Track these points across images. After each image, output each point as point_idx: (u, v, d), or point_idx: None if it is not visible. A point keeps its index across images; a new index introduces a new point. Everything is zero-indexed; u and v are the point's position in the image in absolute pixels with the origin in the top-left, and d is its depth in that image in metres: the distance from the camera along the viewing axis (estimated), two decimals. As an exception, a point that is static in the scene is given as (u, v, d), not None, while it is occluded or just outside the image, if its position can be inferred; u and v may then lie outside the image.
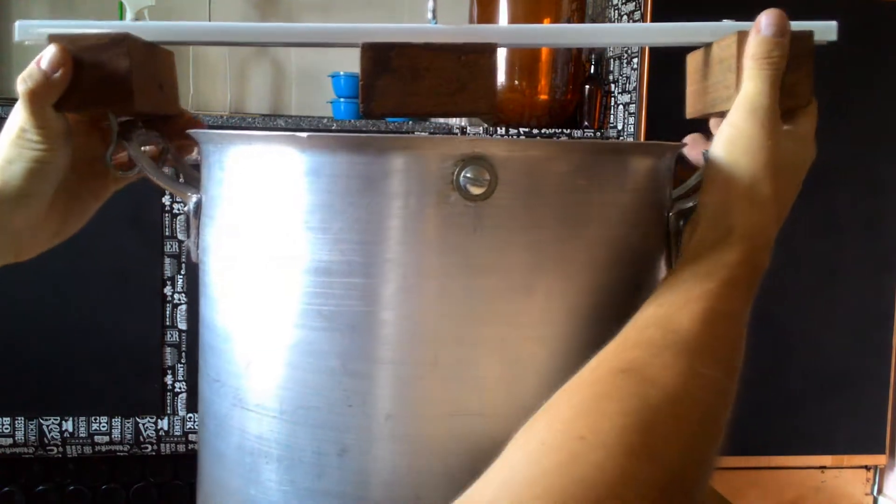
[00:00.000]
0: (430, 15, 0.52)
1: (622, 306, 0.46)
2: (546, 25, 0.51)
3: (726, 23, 0.50)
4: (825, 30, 0.50)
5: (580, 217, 0.44)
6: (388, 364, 0.42)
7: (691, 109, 0.56)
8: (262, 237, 0.44)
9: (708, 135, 0.53)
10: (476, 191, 0.41)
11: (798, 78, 0.49)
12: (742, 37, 0.48)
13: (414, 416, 0.43)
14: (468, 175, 0.41)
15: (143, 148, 0.52)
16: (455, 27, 0.50)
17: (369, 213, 0.42)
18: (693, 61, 0.55)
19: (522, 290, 0.43)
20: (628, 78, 1.91)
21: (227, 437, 0.47)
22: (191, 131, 0.50)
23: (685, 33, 0.52)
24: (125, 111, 0.49)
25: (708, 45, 0.52)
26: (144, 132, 0.52)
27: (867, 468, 2.00)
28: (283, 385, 0.44)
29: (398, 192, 0.42)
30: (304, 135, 0.42)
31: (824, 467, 1.99)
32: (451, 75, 0.49)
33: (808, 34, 0.49)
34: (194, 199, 0.50)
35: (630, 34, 0.55)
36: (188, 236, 0.51)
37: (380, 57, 0.48)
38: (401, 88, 0.48)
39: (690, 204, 0.49)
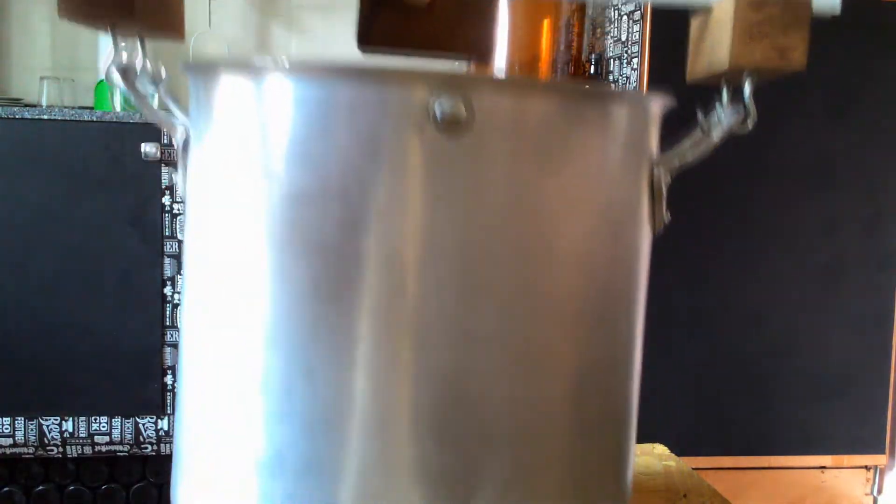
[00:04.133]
0: None
1: (598, 254, 0.46)
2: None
3: None
4: (827, 3, 0.52)
5: (559, 156, 0.44)
6: (360, 291, 0.43)
7: (689, 73, 0.56)
8: (246, 164, 0.45)
9: (707, 106, 0.53)
10: (452, 124, 0.41)
11: (793, 42, 0.49)
12: None
13: (383, 344, 0.43)
14: (444, 107, 0.41)
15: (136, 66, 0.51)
16: None
17: (347, 141, 0.42)
18: (695, 24, 0.56)
19: (499, 227, 0.43)
20: (628, 78, 1.91)
21: (202, 360, 0.48)
22: (183, 63, 0.49)
23: None
24: (125, 19, 0.48)
25: (709, 8, 0.53)
26: (142, 59, 0.51)
27: (867, 468, 2.00)
28: (259, 308, 0.45)
29: (374, 122, 0.42)
30: (288, 63, 0.43)
31: (824, 467, 1.98)
32: (451, 13, 0.48)
33: (807, 1, 0.49)
34: (182, 132, 0.50)
35: None
36: (177, 171, 0.51)
37: None
38: (399, 23, 0.48)
39: (677, 162, 0.49)
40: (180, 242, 1.78)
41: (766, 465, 1.96)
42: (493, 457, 0.45)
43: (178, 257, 1.78)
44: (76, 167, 1.73)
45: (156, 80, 0.52)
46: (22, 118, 1.72)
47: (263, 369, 0.45)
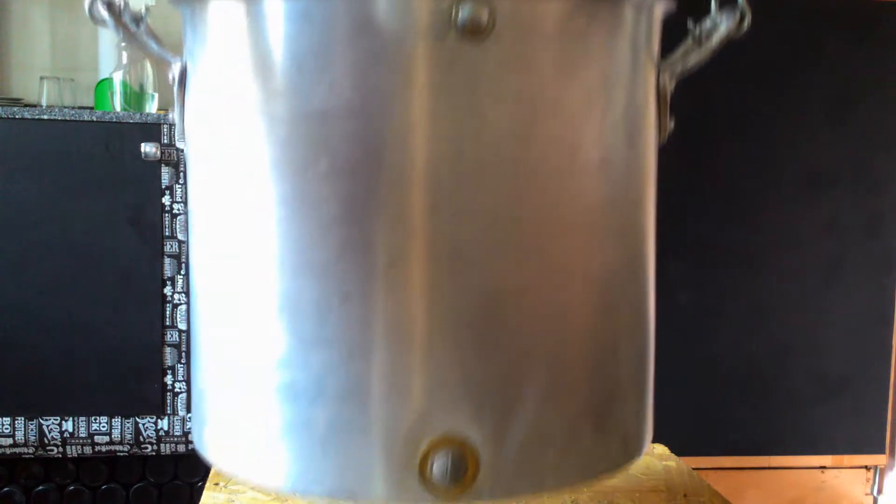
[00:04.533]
0: None
1: (618, 157, 0.46)
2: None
3: None
4: None
5: (579, 60, 0.44)
6: (389, 208, 0.42)
7: None
8: (256, 90, 0.43)
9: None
10: (475, 28, 0.40)
11: None
12: None
13: (420, 262, 0.42)
14: (466, 12, 0.40)
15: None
16: None
17: (367, 54, 0.41)
18: None
19: (524, 136, 0.43)
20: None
21: (223, 291, 0.47)
22: None
23: None
24: None
25: None
26: None
27: (867, 468, 2.00)
28: (283, 236, 0.44)
29: (396, 32, 0.41)
30: None
31: (824, 467, 1.98)
32: None
33: None
34: (178, 66, 0.48)
35: None
36: (174, 110, 0.50)
37: None
38: None
39: (680, 68, 0.49)
40: (180, 242, 1.78)
41: (766, 465, 1.96)
42: (532, 370, 0.45)
43: (178, 257, 1.78)
44: (76, 167, 1.73)
45: (136, 19, 0.50)
46: (22, 118, 1.72)
47: (294, 297, 0.43)
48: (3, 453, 1.75)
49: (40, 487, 1.81)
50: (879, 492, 2.02)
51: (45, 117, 1.72)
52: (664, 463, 0.80)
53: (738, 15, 0.49)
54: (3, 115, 1.71)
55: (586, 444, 0.47)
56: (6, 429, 1.75)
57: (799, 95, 1.89)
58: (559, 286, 0.45)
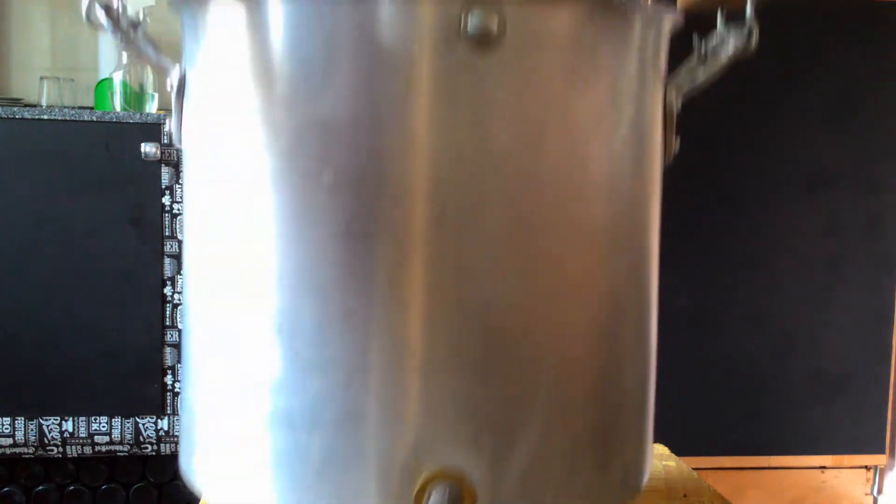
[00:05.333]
0: None
1: (625, 174, 0.45)
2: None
3: None
4: None
5: (588, 73, 0.43)
6: (394, 222, 0.40)
7: None
8: (259, 99, 0.42)
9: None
10: (484, 39, 0.39)
11: None
12: None
13: (425, 280, 0.41)
14: (475, 22, 0.39)
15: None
16: None
17: (374, 64, 0.40)
18: None
19: (532, 148, 0.42)
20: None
21: (220, 310, 0.45)
22: None
23: None
24: None
25: None
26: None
27: (867, 468, 2.00)
28: (283, 250, 0.42)
29: (403, 42, 0.40)
30: None
31: (824, 467, 1.98)
32: None
33: None
34: (177, 73, 0.47)
35: None
36: (171, 117, 0.48)
37: None
38: None
39: (688, 85, 0.48)
40: (180, 242, 1.78)
41: (766, 465, 1.96)
42: (533, 396, 0.43)
43: (178, 257, 1.78)
44: (76, 167, 1.73)
45: (133, 24, 0.49)
46: (22, 118, 1.72)
47: (294, 316, 0.42)
48: (3, 453, 1.75)
49: (40, 487, 1.81)
50: (879, 492, 2.02)
51: (45, 117, 1.72)
52: (664, 463, 0.80)
53: (745, 32, 0.48)
54: (3, 115, 1.71)
55: (586, 478, 0.46)
56: (6, 429, 1.75)
57: (799, 95, 1.89)
58: (562, 308, 0.44)
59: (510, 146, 0.41)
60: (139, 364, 1.78)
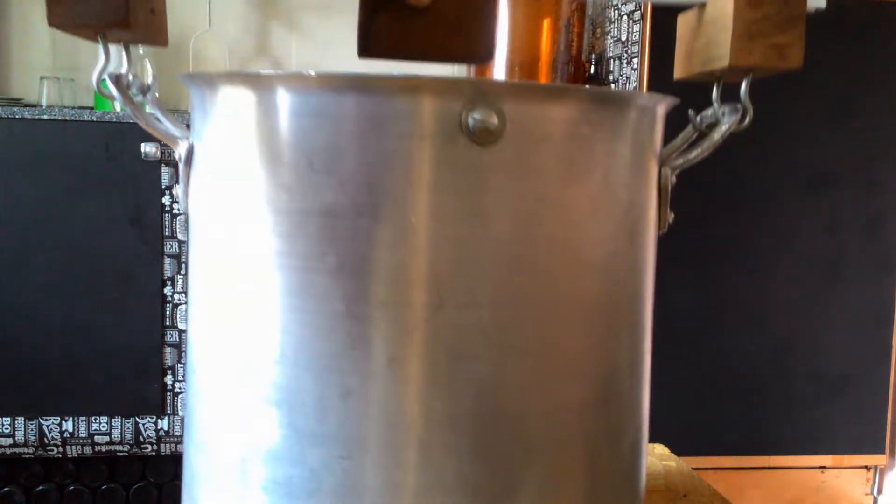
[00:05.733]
0: None
1: (620, 255, 0.46)
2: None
3: None
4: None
5: (584, 165, 0.44)
6: (393, 307, 0.42)
7: (680, 70, 0.56)
8: (265, 181, 0.43)
9: (703, 104, 0.53)
10: (484, 134, 0.41)
11: (790, 40, 0.49)
12: None
13: (422, 361, 0.42)
14: (476, 118, 0.41)
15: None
16: None
17: (377, 155, 0.41)
18: (684, 22, 0.55)
19: (527, 237, 0.43)
20: (628, 78, 1.91)
21: (221, 382, 0.46)
22: (185, 74, 0.48)
23: None
24: (119, 29, 0.47)
25: (702, 6, 0.52)
26: (134, 75, 0.50)
27: (867, 468, 2.00)
28: (285, 329, 0.43)
29: (407, 134, 0.41)
30: (312, 73, 0.42)
31: (824, 467, 1.98)
32: (451, 15, 0.48)
33: None
34: (185, 145, 0.49)
35: None
36: (178, 184, 0.50)
37: None
38: (399, 27, 0.47)
39: (681, 161, 0.50)
40: (181, 242, 1.78)
41: (766, 465, 1.96)
42: (529, 468, 0.45)
43: (178, 257, 1.78)
44: (76, 167, 1.73)
45: (143, 91, 0.51)
46: (22, 118, 1.72)
47: (294, 390, 0.44)
48: (3, 453, 1.75)
49: (40, 487, 1.81)
50: (879, 492, 2.02)
51: (45, 117, 1.73)
52: (664, 463, 0.80)
53: (739, 113, 0.50)
54: (3, 115, 1.71)
55: None
56: (6, 429, 1.75)
57: (799, 95, 1.89)
58: (558, 387, 0.45)
59: (506, 235, 0.43)
60: (139, 364, 1.78)
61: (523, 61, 2.00)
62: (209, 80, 0.46)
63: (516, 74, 2.00)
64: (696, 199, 1.87)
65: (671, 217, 0.52)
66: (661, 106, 0.49)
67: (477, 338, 0.43)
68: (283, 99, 0.43)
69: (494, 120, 0.41)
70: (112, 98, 0.49)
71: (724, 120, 0.50)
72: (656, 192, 0.50)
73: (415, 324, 0.42)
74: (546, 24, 1.97)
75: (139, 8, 0.48)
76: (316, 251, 0.42)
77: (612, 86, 1.99)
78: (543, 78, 2.00)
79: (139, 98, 0.50)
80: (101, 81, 0.48)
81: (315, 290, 0.43)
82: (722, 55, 0.49)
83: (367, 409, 0.43)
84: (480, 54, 0.48)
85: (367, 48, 0.48)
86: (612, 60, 2.02)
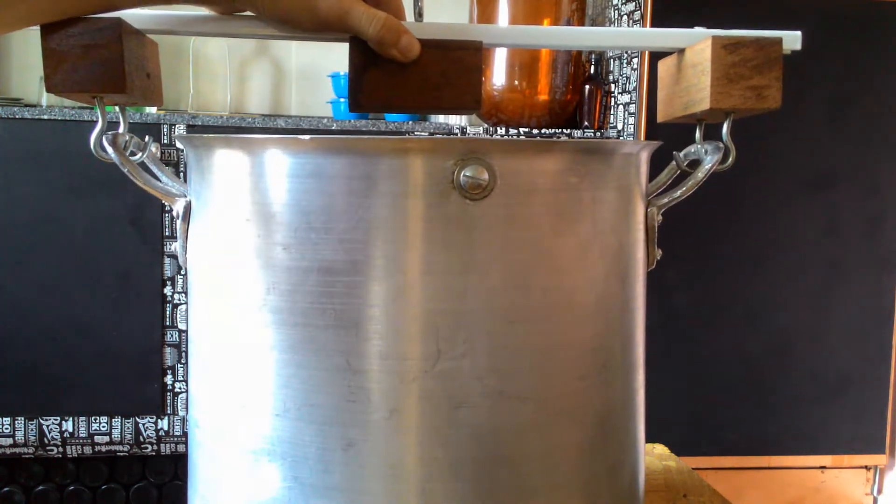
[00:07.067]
0: (415, 13, 0.53)
1: (611, 298, 0.48)
2: (525, 27, 0.52)
3: (698, 29, 0.52)
4: (792, 39, 0.53)
5: (573, 214, 0.46)
6: (392, 360, 0.43)
7: (663, 114, 0.58)
8: (263, 239, 0.45)
9: (689, 138, 0.54)
10: (475, 190, 0.42)
11: (768, 81, 0.51)
12: (716, 42, 0.49)
13: (418, 410, 0.44)
14: (468, 174, 0.42)
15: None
16: (442, 24, 0.51)
17: (372, 213, 0.43)
18: (665, 67, 0.57)
19: (521, 287, 0.44)
20: (628, 78, 1.91)
21: (226, 436, 0.47)
22: (181, 136, 0.49)
23: (658, 39, 0.54)
24: (116, 94, 0.49)
25: (681, 51, 0.54)
26: (130, 136, 0.52)
27: (867, 468, 2.00)
28: (286, 384, 0.45)
29: (401, 193, 0.43)
30: (307, 137, 0.43)
31: (824, 467, 1.98)
32: (438, 70, 0.49)
33: (778, 41, 0.51)
34: (183, 202, 0.50)
35: (607, 38, 0.57)
36: (177, 240, 0.51)
37: (368, 51, 0.49)
38: (388, 82, 0.49)
39: (666, 199, 0.51)
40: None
41: (766, 465, 1.96)
42: None
43: (177, 257, 1.78)
44: (76, 167, 1.73)
45: (141, 149, 0.53)
46: (22, 118, 1.72)
47: (296, 443, 0.45)
48: (3, 453, 1.75)
49: (40, 487, 1.81)
50: (879, 492, 2.02)
51: (45, 117, 1.73)
52: (664, 463, 0.80)
53: (721, 153, 0.51)
54: (3, 115, 1.71)
55: None
56: (6, 429, 1.75)
57: (799, 95, 1.89)
58: (556, 426, 0.46)
59: (500, 285, 0.44)
60: (139, 364, 1.78)
61: (523, 61, 2.00)
62: (205, 143, 0.48)
63: (516, 75, 2.00)
64: (696, 199, 1.87)
65: (659, 254, 0.53)
66: (645, 151, 0.51)
67: (475, 386, 0.44)
68: (279, 161, 0.44)
69: (485, 175, 0.42)
70: (109, 160, 0.50)
71: (707, 159, 0.52)
72: (644, 232, 0.51)
73: (414, 375, 0.43)
74: (546, 24, 1.97)
75: (135, 74, 0.50)
76: (313, 308, 0.44)
77: (612, 86, 1.99)
78: (543, 78, 2.00)
79: (137, 156, 0.51)
80: (97, 143, 0.49)
81: (314, 345, 0.44)
82: (702, 98, 0.50)
83: (370, 460, 0.44)
84: (469, 104, 0.50)
85: (359, 104, 0.50)
86: (611, 60, 2.02)
